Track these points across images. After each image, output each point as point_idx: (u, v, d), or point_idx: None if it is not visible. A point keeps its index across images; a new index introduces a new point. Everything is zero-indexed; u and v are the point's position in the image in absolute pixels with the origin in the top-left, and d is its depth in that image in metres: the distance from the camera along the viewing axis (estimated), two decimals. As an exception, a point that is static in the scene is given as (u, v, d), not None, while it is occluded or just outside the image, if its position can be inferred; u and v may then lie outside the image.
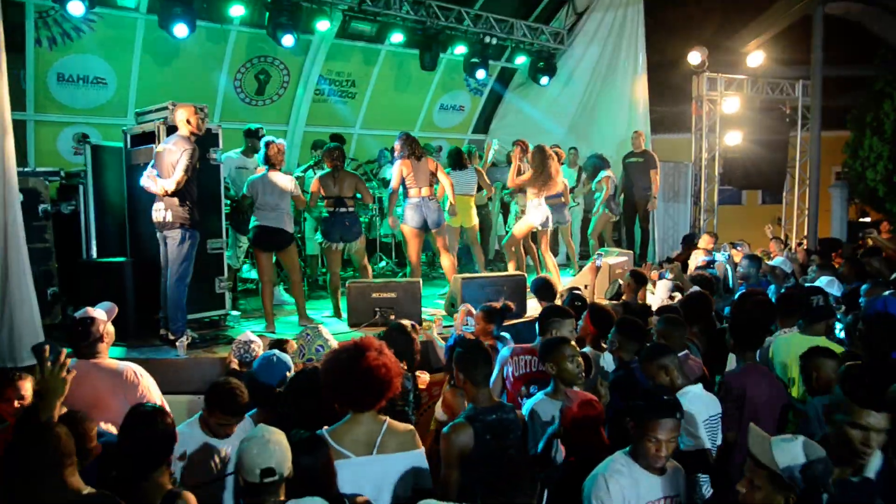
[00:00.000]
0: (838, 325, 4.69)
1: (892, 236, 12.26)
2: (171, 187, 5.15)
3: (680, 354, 3.80)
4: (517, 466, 3.16)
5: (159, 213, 5.30)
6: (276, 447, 2.41)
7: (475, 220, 7.91)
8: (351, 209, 6.65)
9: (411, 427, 3.03)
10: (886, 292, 5.12)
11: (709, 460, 3.36)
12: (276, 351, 4.00)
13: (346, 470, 2.71)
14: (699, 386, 3.54)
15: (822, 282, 5.73)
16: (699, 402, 3.41)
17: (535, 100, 11.87)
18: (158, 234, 5.41)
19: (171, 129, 5.51)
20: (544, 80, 11.21)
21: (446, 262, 7.20)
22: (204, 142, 5.79)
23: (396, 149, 6.87)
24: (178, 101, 5.58)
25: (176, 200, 5.24)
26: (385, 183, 9.18)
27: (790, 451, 2.26)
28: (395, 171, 6.82)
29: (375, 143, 10.62)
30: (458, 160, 7.75)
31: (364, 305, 6.08)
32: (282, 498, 2.41)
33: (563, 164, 9.56)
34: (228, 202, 7.04)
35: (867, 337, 3.91)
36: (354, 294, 6.13)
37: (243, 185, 7.18)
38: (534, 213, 7.59)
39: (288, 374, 3.76)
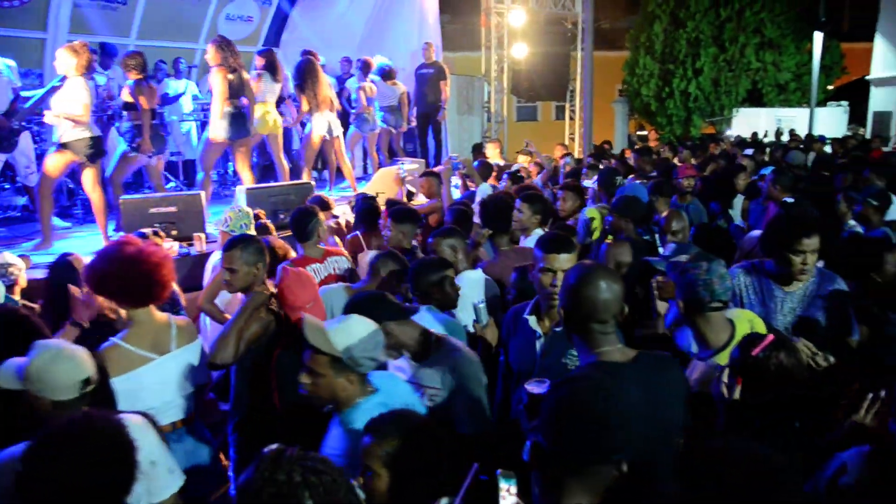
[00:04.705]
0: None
1: (660, 143, 13.83)
2: None
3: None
4: None
5: None
6: (81, 354, 2.17)
7: (280, 129, 7.74)
8: None
9: (187, 318, 3.08)
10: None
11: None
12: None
13: (151, 373, 2.66)
14: (478, 270, 3.75)
15: (593, 180, 6.31)
16: (473, 284, 3.59)
17: (324, 12, 11.50)
18: None
19: None
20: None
21: (247, 176, 7.01)
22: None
23: (213, 56, 6.48)
24: None
25: None
26: (166, 99, 8.59)
27: (344, 333, 2.26)
28: (218, 81, 6.50)
29: (154, 55, 9.79)
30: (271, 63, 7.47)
31: (141, 221, 5.67)
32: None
33: (375, 73, 9.43)
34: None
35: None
36: (129, 210, 5.73)
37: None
38: (317, 123, 7.84)
39: None
